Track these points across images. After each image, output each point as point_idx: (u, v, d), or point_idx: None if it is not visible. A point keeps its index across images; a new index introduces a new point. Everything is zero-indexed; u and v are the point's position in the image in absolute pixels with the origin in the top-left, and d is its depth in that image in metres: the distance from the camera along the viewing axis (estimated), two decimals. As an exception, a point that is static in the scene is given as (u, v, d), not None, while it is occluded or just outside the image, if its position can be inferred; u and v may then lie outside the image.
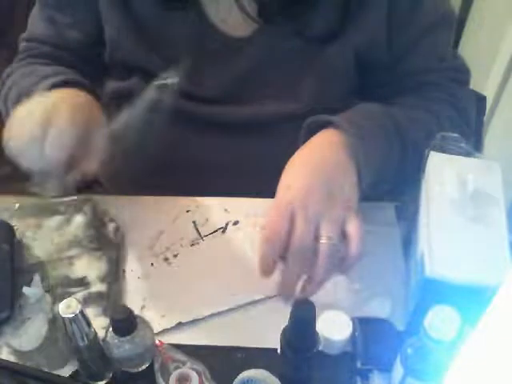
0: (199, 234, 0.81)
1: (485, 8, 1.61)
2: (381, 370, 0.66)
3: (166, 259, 0.78)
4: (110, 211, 0.83)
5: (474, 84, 0.92)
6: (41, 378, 0.61)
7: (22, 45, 0.93)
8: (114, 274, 0.76)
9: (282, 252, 0.65)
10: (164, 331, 0.70)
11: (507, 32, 1.47)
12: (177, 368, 0.63)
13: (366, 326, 0.68)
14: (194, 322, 0.71)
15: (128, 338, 0.62)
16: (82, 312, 0.59)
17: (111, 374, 0.67)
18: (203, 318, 0.72)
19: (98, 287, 0.74)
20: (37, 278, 0.73)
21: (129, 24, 0.83)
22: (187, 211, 0.84)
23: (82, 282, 0.75)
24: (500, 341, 0.42)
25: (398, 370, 0.61)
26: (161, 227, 0.82)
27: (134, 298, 0.74)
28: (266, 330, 0.66)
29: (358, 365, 0.67)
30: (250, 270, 0.73)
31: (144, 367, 0.66)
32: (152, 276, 0.77)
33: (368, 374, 0.67)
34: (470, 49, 1.63)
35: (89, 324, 0.61)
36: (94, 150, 0.71)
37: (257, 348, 0.69)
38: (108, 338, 0.63)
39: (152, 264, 0.78)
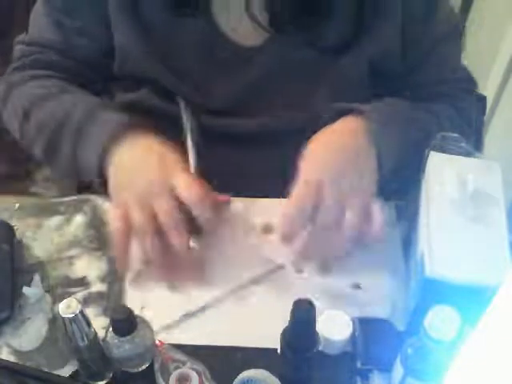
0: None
1: (485, 8, 1.61)
2: (381, 370, 0.66)
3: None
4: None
5: (474, 84, 0.93)
6: (41, 377, 0.61)
7: (20, 48, 0.88)
8: (114, 274, 0.76)
9: (308, 219, 0.69)
10: (164, 331, 0.70)
11: (507, 32, 1.47)
12: (177, 368, 0.63)
13: (366, 326, 0.68)
14: (194, 322, 0.71)
15: (128, 337, 0.62)
16: (82, 312, 0.59)
17: (111, 374, 0.67)
18: (204, 315, 0.72)
19: (98, 287, 0.75)
20: (37, 278, 0.74)
21: (138, 31, 0.81)
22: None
23: (82, 282, 0.75)
24: (500, 341, 0.42)
25: (398, 370, 0.61)
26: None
27: (134, 297, 0.74)
28: (266, 330, 0.66)
29: (358, 365, 0.67)
30: (247, 255, 0.77)
31: (144, 367, 0.66)
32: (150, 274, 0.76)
33: (368, 373, 0.67)
34: (470, 49, 1.63)
35: (89, 324, 0.61)
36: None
37: (257, 348, 0.69)
38: (108, 338, 0.63)
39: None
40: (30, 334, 0.68)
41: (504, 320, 0.42)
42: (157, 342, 0.66)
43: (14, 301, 0.71)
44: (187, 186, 0.69)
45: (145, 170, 0.72)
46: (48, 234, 0.80)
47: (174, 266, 0.74)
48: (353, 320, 0.68)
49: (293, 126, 0.84)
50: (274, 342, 0.63)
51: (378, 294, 0.74)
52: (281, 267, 0.77)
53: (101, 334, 0.65)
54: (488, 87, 1.52)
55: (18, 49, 0.89)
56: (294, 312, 0.58)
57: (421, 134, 0.76)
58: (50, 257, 0.78)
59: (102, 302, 0.73)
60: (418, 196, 0.73)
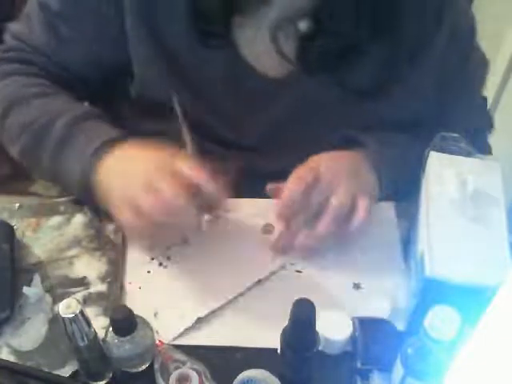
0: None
1: (485, 9, 1.61)
2: (381, 370, 0.66)
3: (168, 258, 0.78)
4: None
5: (474, 84, 0.93)
6: (41, 377, 0.61)
7: (8, 39, 0.84)
8: (114, 274, 0.76)
9: (304, 196, 0.72)
10: (164, 331, 0.70)
11: (507, 33, 1.48)
12: (177, 368, 0.63)
13: (366, 326, 0.68)
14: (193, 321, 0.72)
15: (128, 338, 0.62)
16: (82, 312, 0.59)
17: (111, 374, 0.67)
18: (205, 318, 0.71)
19: (98, 287, 0.74)
20: (37, 277, 0.74)
21: (159, 58, 0.78)
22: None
23: (82, 282, 0.75)
24: (500, 341, 0.42)
25: (398, 370, 0.61)
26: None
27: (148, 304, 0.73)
28: (266, 329, 0.66)
29: (358, 365, 0.67)
30: (245, 256, 0.77)
31: (144, 367, 0.66)
32: (156, 277, 0.76)
33: (368, 373, 0.67)
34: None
35: (89, 324, 0.61)
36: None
37: (257, 348, 0.69)
38: (108, 338, 0.63)
39: (161, 264, 0.77)
40: (29, 334, 0.68)
41: (504, 320, 0.42)
42: (157, 341, 0.66)
43: (14, 301, 0.71)
44: (192, 167, 0.68)
45: (141, 160, 0.71)
46: (48, 234, 0.80)
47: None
48: (353, 320, 0.68)
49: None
50: (273, 342, 0.63)
51: (378, 294, 0.74)
52: (281, 267, 0.77)
53: (101, 334, 0.65)
54: (488, 87, 1.52)
55: (7, 39, 0.85)
56: (293, 312, 0.58)
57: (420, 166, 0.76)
58: (49, 257, 0.77)
59: (102, 302, 0.73)
60: (417, 196, 0.73)
